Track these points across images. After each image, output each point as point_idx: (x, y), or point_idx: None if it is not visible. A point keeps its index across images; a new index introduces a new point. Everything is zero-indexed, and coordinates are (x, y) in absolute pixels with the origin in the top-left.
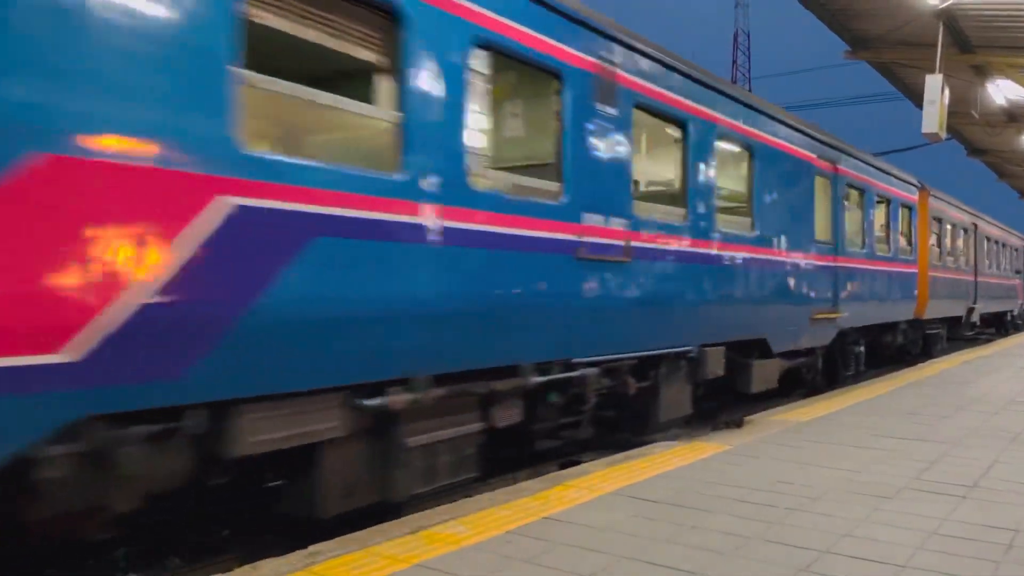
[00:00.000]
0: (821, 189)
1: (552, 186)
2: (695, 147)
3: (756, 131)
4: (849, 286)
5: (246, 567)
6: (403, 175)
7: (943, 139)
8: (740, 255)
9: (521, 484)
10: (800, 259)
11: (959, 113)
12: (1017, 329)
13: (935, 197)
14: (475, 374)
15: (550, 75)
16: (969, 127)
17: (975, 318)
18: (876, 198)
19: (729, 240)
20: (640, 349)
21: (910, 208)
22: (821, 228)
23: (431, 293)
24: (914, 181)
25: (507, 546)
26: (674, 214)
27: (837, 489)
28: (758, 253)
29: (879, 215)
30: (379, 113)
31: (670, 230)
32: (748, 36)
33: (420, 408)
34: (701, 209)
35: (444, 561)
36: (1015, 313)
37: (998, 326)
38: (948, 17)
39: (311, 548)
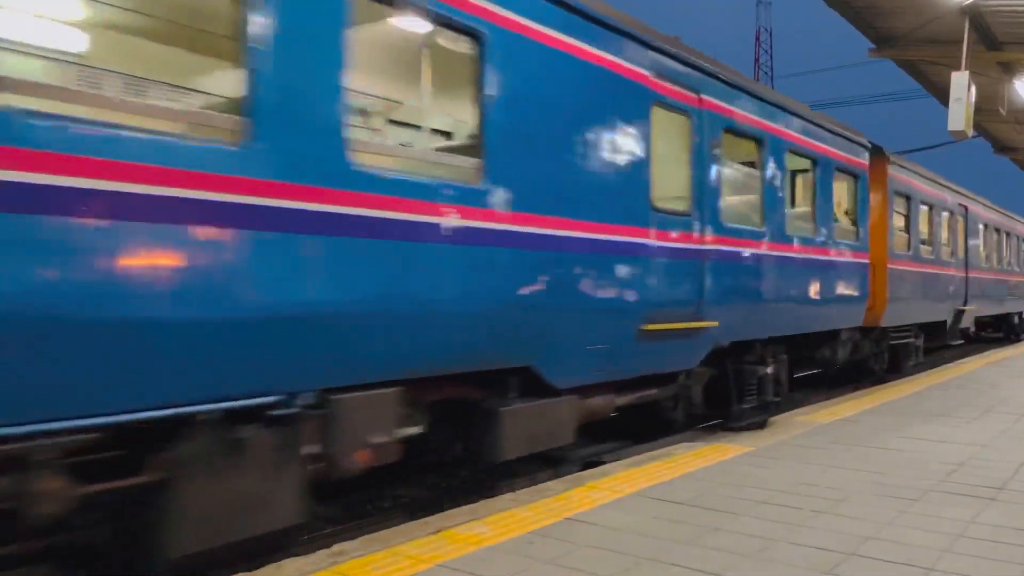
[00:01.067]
0: (667, 130)
1: None
2: (288, 7)
3: (493, 7)
4: (730, 281)
5: (270, 566)
6: None
7: (969, 137)
8: (449, 224)
9: (543, 485)
10: (609, 236)
11: (986, 110)
12: None
13: (899, 166)
14: None
15: None
16: (996, 124)
17: (967, 323)
18: (787, 155)
19: (413, 193)
20: (84, 413)
21: (856, 176)
22: (666, 191)
23: None
24: (864, 141)
25: (529, 547)
26: (207, 127)
27: (862, 491)
28: (497, 222)
29: (797, 182)
30: None
31: (186, 157)
32: (771, 34)
33: None
34: (304, 130)
35: (466, 561)
36: None
37: (1007, 331)
38: (974, 14)
39: (335, 548)
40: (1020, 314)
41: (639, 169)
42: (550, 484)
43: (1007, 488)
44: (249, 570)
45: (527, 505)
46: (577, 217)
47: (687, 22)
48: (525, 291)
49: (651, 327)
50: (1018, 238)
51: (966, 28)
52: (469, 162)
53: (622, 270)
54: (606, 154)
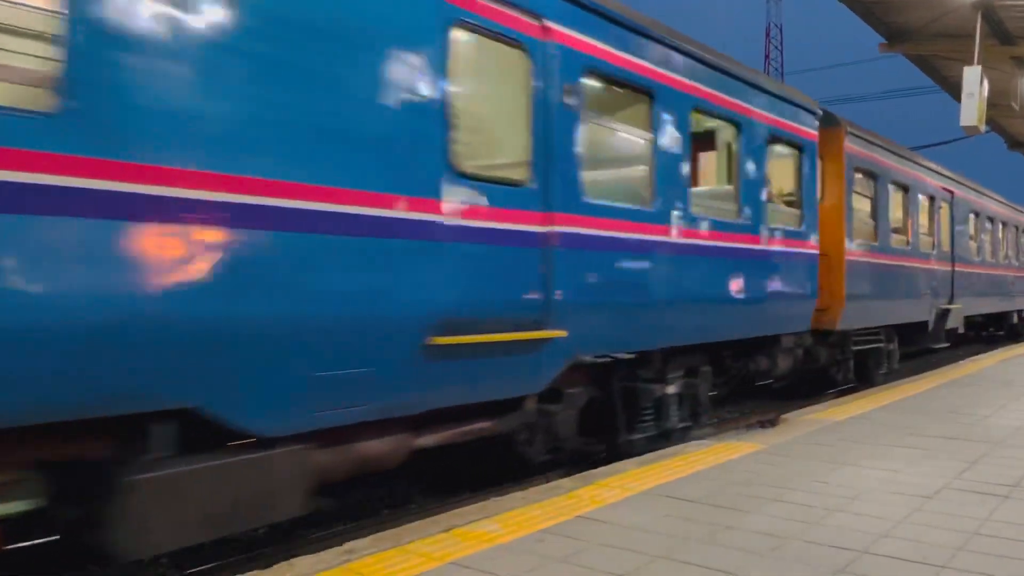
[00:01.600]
0: (483, 66)
1: None
2: None
3: None
4: (596, 276)
5: (282, 564)
6: None
7: (983, 132)
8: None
9: (554, 483)
10: (358, 208)
11: (999, 106)
12: None
13: (859, 139)
14: None
15: None
16: (1009, 120)
17: (953, 323)
18: (694, 114)
19: None
20: None
21: (800, 148)
22: (484, 151)
23: None
24: (812, 106)
25: (540, 545)
26: None
27: (875, 489)
28: (106, 178)
29: (713, 151)
30: None
31: None
32: (780, 30)
33: None
34: None
35: (477, 559)
36: None
37: (1007, 331)
38: (987, 8)
39: (346, 545)
40: (1020, 312)
41: (423, 117)
42: (561, 482)
43: (1021, 486)
44: (262, 567)
45: (538, 503)
46: (288, 178)
47: (696, 17)
48: (171, 291)
49: (446, 340)
50: (1017, 228)
51: (979, 23)
52: (29, 69)
53: (385, 258)
54: (352, 89)
